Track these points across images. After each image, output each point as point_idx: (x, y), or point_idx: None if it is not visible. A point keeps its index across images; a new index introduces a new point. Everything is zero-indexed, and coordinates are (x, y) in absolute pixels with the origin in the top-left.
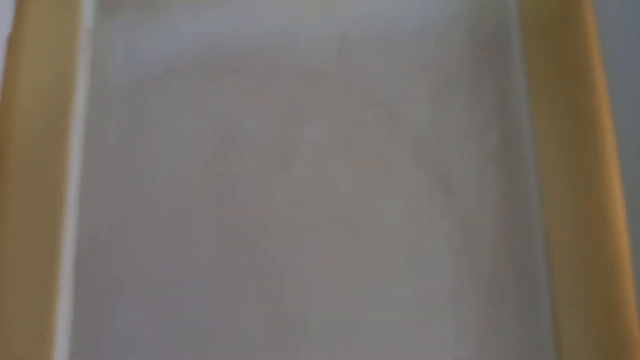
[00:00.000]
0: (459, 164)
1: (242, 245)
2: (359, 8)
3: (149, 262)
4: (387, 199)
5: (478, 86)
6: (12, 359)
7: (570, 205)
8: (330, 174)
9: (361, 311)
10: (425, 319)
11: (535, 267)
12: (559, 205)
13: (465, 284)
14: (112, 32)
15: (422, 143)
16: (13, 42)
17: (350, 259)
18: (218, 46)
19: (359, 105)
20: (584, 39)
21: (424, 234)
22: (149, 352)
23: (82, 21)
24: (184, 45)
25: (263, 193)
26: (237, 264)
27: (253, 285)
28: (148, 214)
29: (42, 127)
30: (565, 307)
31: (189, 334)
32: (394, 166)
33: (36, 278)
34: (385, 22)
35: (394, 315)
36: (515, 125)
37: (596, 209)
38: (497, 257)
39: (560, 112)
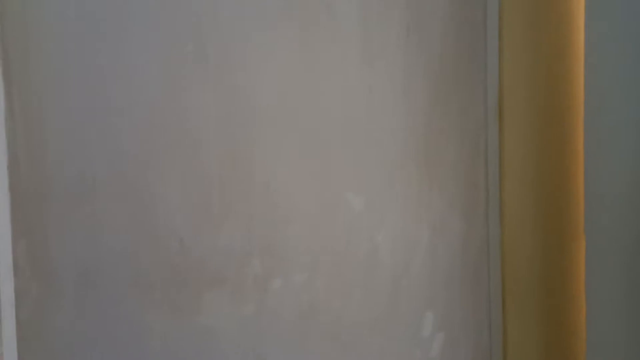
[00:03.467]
0: None
1: (190, 34)
2: None
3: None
4: None
5: None
6: None
7: None
8: None
9: (314, 102)
10: (378, 107)
11: (486, 46)
12: None
13: (416, 67)
14: None
15: None
16: None
17: (303, 49)
18: None
19: None
20: None
21: (377, 21)
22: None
23: None
24: None
25: None
26: (185, 50)
27: (203, 73)
28: None
29: None
30: (509, 95)
31: (142, 125)
32: None
33: None
34: None
35: (348, 105)
36: None
37: None
38: (445, 36)
39: None
